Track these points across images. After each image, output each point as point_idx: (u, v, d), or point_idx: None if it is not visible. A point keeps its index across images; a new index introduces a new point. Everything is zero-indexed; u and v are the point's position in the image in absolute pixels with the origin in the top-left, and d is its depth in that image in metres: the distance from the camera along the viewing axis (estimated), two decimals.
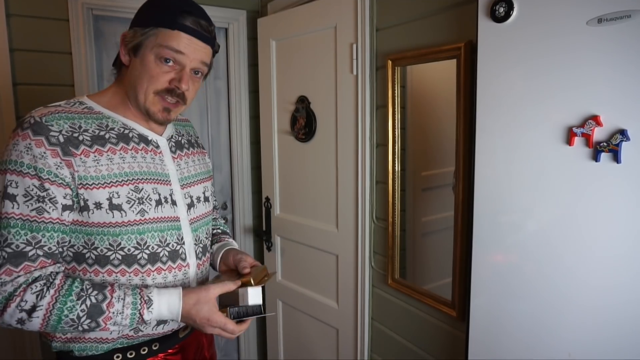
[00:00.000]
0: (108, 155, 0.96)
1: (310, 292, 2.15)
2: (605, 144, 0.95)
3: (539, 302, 1.10)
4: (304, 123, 2.06)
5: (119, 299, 0.92)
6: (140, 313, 0.93)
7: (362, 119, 1.76)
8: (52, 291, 0.87)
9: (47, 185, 0.88)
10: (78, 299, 0.89)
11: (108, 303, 0.91)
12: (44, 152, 0.88)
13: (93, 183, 0.92)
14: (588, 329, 1.02)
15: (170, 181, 1.06)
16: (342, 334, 2.00)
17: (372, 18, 1.71)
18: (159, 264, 1.02)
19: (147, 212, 0.99)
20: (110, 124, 1.00)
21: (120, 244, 0.96)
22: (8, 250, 0.86)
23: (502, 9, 1.10)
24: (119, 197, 0.95)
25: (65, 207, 0.91)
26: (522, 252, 1.13)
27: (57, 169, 0.88)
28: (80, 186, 0.91)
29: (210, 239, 1.22)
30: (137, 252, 0.98)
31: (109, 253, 0.96)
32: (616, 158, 0.94)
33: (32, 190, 0.87)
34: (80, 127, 0.94)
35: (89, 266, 0.97)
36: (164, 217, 1.03)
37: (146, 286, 0.99)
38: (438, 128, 1.61)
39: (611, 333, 0.98)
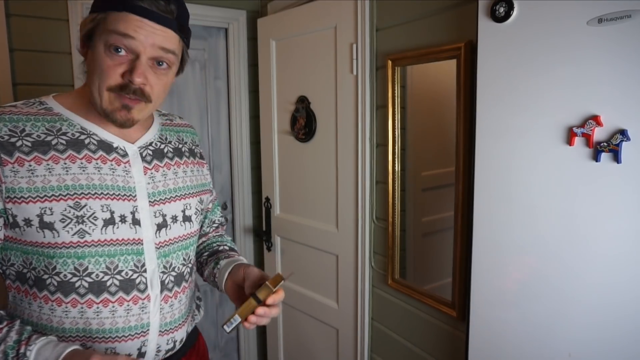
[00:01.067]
0: (48, 164, 0.82)
1: (310, 292, 2.15)
2: (605, 144, 0.95)
3: (540, 302, 1.10)
4: (304, 123, 2.06)
5: None
6: None
7: (362, 119, 1.76)
8: None
9: None
10: None
11: None
12: None
13: (22, 196, 0.79)
14: (588, 329, 1.02)
15: (135, 196, 0.90)
16: (342, 334, 2.00)
17: (372, 18, 1.71)
18: (105, 295, 0.86)
19: (88, 234, 0.83)
20: (65, 128, 0.86)
21: (55, 267, 0.83)
22: None
23: (502, 9, 1.10)
24: (51, 214, 0.80)
25: None
26: (521, 252, 1.13)
27: None
28: (7, 199, 0.79)
29: (190, 266, 1.03)
30: (75, 279, 0.83)
31: (45, 277, 0.84)
32: (616, 158, 0.94)
33: None
34: (22, 130, 0.82)
35: (29, 287, 0.85)
36: (116, 239, 0.86)
37: (40, 334, 0.81)
38: (438, 128, 1.61)
39: (611, 333, 0.98)
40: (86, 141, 0.87)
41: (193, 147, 1.10)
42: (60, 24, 1.95)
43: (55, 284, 0.84)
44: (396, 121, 1.63)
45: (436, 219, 1.66)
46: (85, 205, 0.83)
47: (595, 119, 0.96)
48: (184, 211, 0.99)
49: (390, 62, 1.61)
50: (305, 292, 2.18)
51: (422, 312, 1.62)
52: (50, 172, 0.82)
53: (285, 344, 2.38)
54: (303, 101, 2.05)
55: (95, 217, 0.84)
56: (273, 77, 2.22)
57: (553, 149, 1.04)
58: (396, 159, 1.66)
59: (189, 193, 1.02)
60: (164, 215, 0.94)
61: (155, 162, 0.96)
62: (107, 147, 0.89)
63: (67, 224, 0.82)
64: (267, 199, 2.36)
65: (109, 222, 0.86)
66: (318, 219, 2.07)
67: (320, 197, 2.04)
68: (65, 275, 0.83)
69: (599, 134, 0.96)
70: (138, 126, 0.95)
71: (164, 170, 0.97)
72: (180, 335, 0.99)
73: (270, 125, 2.27)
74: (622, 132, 0.92)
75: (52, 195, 0.81)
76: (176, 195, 0.98)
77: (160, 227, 0.93)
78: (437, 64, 1.46)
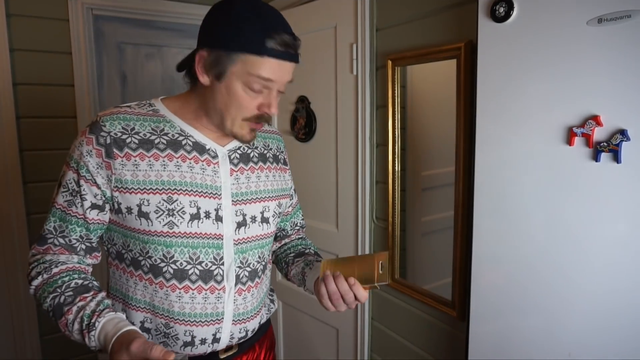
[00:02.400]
0: (149, 161, 0.92)
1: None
2: (605, 144, 0.95)
3: (539, 302, 1.10)
4: (304, 123, 2.06)
5: (79, 310, 0.86)
6: (83, 334, 0.85)
7: (362, 119, 1.76)
8: (45, 276, 0.91)
9: (82, 182, 0.91)
10: (53, 293, 0.89)
11: (68, 309, 0.86)
12: (91, 150, 0.90)
13: (127, 187, 0.90)
14: (588, 328, 1.02)
15: (220, 195, 0.97)
16: (342, 334, 2.00)
17: (372, 18, 1.71)
18: (186, 282, 0.95)
19: (176, 225, 0.92)
20: (167, 129, 0.95)
21: (148, 252, 0.94)
22: (42, 232, 0.94)
23: (502, 9, 1.10)
24: (148, 204, 0.91)
25: (93, 206, 0.92)
26: (521, 252, 1.13)
27: (96, 168, 0.90)
28: (115, 189, 0.90)
29: (264, 264, 1.09)
30: (163, 264, 0.94)
31: (140, 258, 0.95)
32: (616, 158, 0.94)
33: (71, 183, 0.92)
34: (132, 129, 0.92)
35: (127, 266, 0.97)
36: (200, 233, 0.95)
37: (112, 309, 0.89)
38: (438, 128, 1.61)
39: (612, 333, 0.98)
40: (183, 142, 0.96)
41: (278, 154, 1.15)
42: (60, 24, 1.95)
43: (148, 265, 0.94)
44: (396, 121, 1.63)
45: (436, 218, 1.66)
46: (176, 200, 0.92)
47: (595, 119, 0.96)
48: (262, 212, 1.05)
49: (390, 62, 1.61)
50: (306, 292, 2.18)
51: (422, 312, 1.62)
52: (150, 167, 0.92)
53: (285, 344, 2.38)
54: (303, 101, 2.05)
55: (183, 211, 0.93)
56: None
57: (553, 149, 1.04)
58: (396, 159, 1.66)
59: (269, 196, 1.07)
60: (244, 215, 1.01)
61: (241, 165, 1.02)
62: (200, 149, 0.97)
63: (160, 215, 0.91)
64: None
65: (195, 216, 0.94)
66: (318, 219, 2.07)
67: (320, 197, 2.04)
68: (155, 259, 0.93)
69: (598, 134, 0.96)
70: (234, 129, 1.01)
71: (248, 173, 1.03)
72: (253, 325, 1.06)
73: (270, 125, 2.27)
74: (622, 132, 0.92)
75: (151, 188, 0.91)
76: (257, 197, 1.04)
77: (240, 225, 1.00)
78: (437, 64, 1.46)
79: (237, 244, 1.00)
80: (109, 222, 0.96)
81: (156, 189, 0.91)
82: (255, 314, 1.06)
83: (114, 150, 0.90)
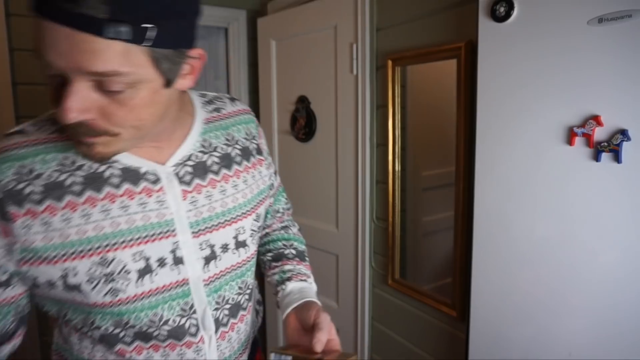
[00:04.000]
0: (64, 214, 0.66)
1: None
2: (606, 143, 0.95)
3: (540, 301, 1.10)
4: (304, 123, 2.05)
5: None
6: None
7: (362, 119, 1.76)
8: None
9: None
10: None
11: None
12: None
13: (40, 257, 0.65)
14: (589, 328, 1.02)
15: (174, 230, 0.73)
16: (342, 334, 2.00)
17: (372, 18, 1.71)
18: (153, 342, 0.74)
19: (121, 291, 0.69)
20: (80, 158, 0.68)
21: (94, 322, 0.72)
22: None
23: (502, 9, 1.10)
24: (76, 274, 0.67)
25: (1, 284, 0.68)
26: (522, 252, 1.13)
27: None
28: (23, 261, 0.66)
29: (248, 292, 0.87)
30: (117, 330, 0.72)
31: (85, 329, 0.73)
32: (617, 158, 0.94)
33: None
34: (31, 171, 0.65)
35: (73, 330, 0.76)
36: (156, 288, 0.72)
37: None
38: (438, 128, 1.60)
39: (612, 333, 0.98)
40: (106, 173, 0.69)
41: (247, 144, 0.86)
42: None
43: (98, 336, 0.73)
44: (396, 121, 1.63)
45: (436, 219, 1.66)
46: (113, 260, 0.68)
47: (595, 119, 0.96)
48: (236, 237, 0.81)
49: (390, 62, 1.61)
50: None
51: (422, 312, 1.61)
52: (67, 223, 0.66)
53: (285, 344, 2.38)
54: (303, 101, 2.05)
55: (126, 271, 0.69)
56: (273, 77, 2.22)
57: (553, 149, 1.04)
58: (396, 159, 1.66)
59: (242, 213, 0.82)
60: (211, 246, 0.78)
61: (196, 181, 0.76)
62: (133, 176, 0.70)
63: (96, 285, 0.68)
64: None
65: (145, 271, 0.71)
66: (318, 219, 2.07)
67: (321, 197, 2.04)
68: (106, 328, 0.72)
69: (599, 134, 0.96)
70: (171, 139, 0.75)
71: (208, 190, 0.77)
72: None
73: (270, 125, 2.27)
74: (623, 132, 0.92)
75: (74, 252, 0.66)
76: (225, 220, 0.79)
77: (208, 260, 0.77)
78: (437, 64, 1.45)
79: (208, 284, 0.78)
80: (28, 291, 0.72)
81: (82, 251, 0.66)
82: (243, 350, 0.89)
83: (9, 208, 0.64)
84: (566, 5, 0.99)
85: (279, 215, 1.06)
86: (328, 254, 2.02)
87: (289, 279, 0.92)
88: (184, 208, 0.74)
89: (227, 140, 0.83)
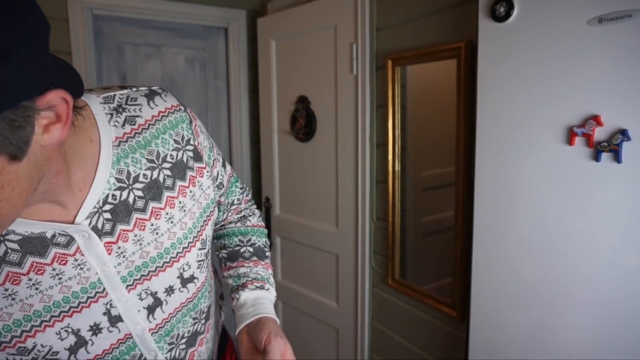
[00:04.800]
0: None
1: (310, 292, 2.15)
2: (606, 143, 0.95)
3: (540, 302, 1.10)
4: (304, 123, 2.05)
5: None
6: None
7: (362, 119, 1.76)
8: None
9: None
10: None
11: None
12: None
13: None
14: (589, 329, 1.02)
15: (103, 291, 0.62)
16: (342, 334, 2.00)
17: (372, 18, 1.70)
18: None
19: None
20: None
21: None
22: None
23: (502, 9, 1.10)
24: None
25: None
26: (522, 252, 1.13)
27: None
28: None
29: (204, 316, 0.80)
30: None
31: None
32: (617, 158, 0.93)
33: None
34: None
35: None
36: (96, 355, 0.64)
37: None
38: (438, 128, 1.60)
39: (612, 333, 0.98)
40: (0, 251, 0.55)
41: (180, 156, 0.68)
42: (60, 23, 1.95)
43: None
44: (396, 121, 1.63)
45: (436, 219, 1.66)
46: (34, 346, 0.58)
47: (595, 118, 0.96)
48: (181, 275, 0.70)
49: (390, 62, 1.60)
50: (305, 292, 2.18)
51: (422, 312, 1.61)
52: None
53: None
54: (303, 101, 2.05)
55: (54, 352, 0.59)
56: (273, 77, 2.22)
57: (553, 149, 1.04)
58: (396, 159, 1.66)
59: (184, 248, 0.70)
60: (153, 294, 0.67)
61: (119, 227, 0.61)
62: (37, 246, 0.56)
63: None
64: (267, 199, 2.36)
65: (78, 345, 0.61)
66: (318, 218, 2.07)
67: (320, 197, 2.04)
68: None
69: (599, 134, 0.96)
70: (73, 183, 0.57)
71: (136, 235, 0.63)
72: None
73: (270, 125, 2.27)
74: (623, 132, 0.92)
75: None
76: (164, 263, 0.67)
77: (152, 308, 0.68)
78: (437, 64, 1.45)
79: (157, 331, 0.69)
80: None
81: None
82: (211, 357, 0.85)
83: None
84: (566, 5, 0.99)
85: (234, 206, 0.92)
86: (328, 254, 2.02)
87: (243, 286, 0.83)
88: (112, 263, 0.61)
89: (149, 159, 0.64)
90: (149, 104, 0.66)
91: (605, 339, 0.99)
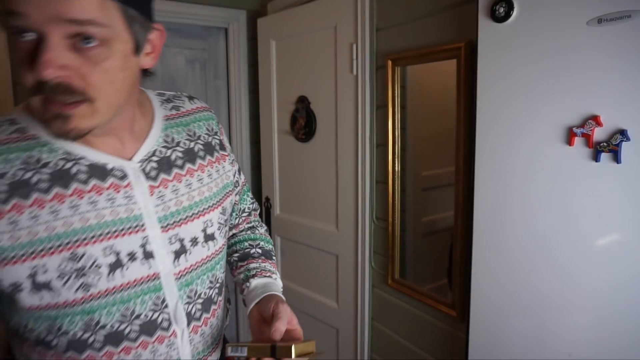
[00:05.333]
0: (32, 211, 0.66)
1: (310, 292, 2.15)
2: (605, 144, 0.95)
3: (539, 302, 1.10)
4: (304, 123, 2.05)
5: None
6: None
7: (362, 119, 1.76)
8: None
9: None
10: None
11: None
12: None
13: (7, 257, 0.65)
14: (588, 329, 1.02)
15: (143, 225, 0.74)
16: (342, 334, 2.00)
17: (372, 18, 1.71)
18: (125, 344, 0.73)
19: (93, 286, 0.69)
20: (45, 156, 0.68)
21: (61, 328, 0.70)
22: None
23: (502, 9, 1.10)
24: (46, 271, 0.66)
25: None
26: (522, 252, 1.13)
27: None
28: None
29: (218, 286, 0.89)
30: (87, 335, 0.71)
31: (50, 337, 0.71)
32: (616, 158, 0.94)
33: None
34: None
35: (33, 344, 0.74)
36: (128, 282, 0.73)
37: None
38: (438, 128, 1.61)
39: (612, 333, 0.98)
40: (73, 170, 0.69)
41: (210, 139, 0.88)
42: None
43: (65, 343, 0.71)
44: (396, 121, 1.63)
45: (436, 219, 1.66)
46: (83, 255, 0.68)
47: (595, 119, 0.96)
48: (204, 230, 0.83)
49: (390, 62, 1.61)
50: (305, 292, 2.18)
51: (422, 312, 1.62)
52: (36, 220, 0.66)
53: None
54: (303, 101, 2.05)
55: (97, 265, 0.70)
56: (273, 77, 2.22)
57: (553, 149, 1.04)
58: (396, 159, 1.66)
59: (209, 206, 0.84)
60: (181, 240, 0.79)
61: (162, 176, 0.78)
62: (100, 172, 0.71)
63: (67, 281, 0.68)
64: (267, 199, 2.36)
65: (116, 265, 0.71)
66: (318, 219, 2.07)
67: (320, 197, 2.04)
68: (74, 333, 0.71)
69: (598, 134, 0.96)
70: (133, 134, 0.76)
71: (174, 185, 0.79)
72: (215, 357, 0.90)
73: (270, 125, 2.27)
74: (622, 132, 0.92)
75: (43, 249, 0.66)
76: (193, 214, 0.81)
77: (178, 254, 0.78)
78: (437, 64, 1.46)
79: (179, 278, 0.79)
80: None
81: (51, 247, 0.66)
82: (216, 345, 0.89)
83: None
84: (566, 5, 0.99)
85: (245, 215, 1.06)
86: (328, 254, 2.02)
87: (253, 276, 0.93)
88: (152, 203, 0.75)
89: (189, 135, 0.85)
90: (189, 101, 0.90)
91: (605, 339, 0.99)
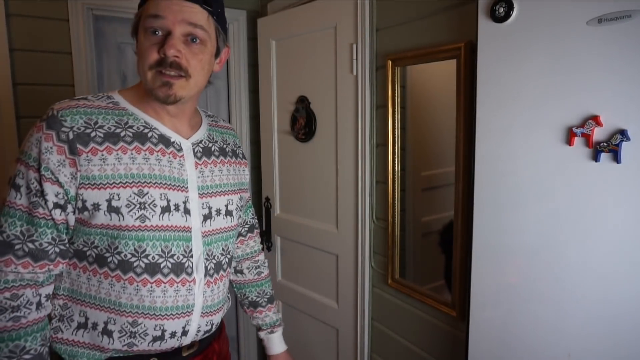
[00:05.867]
0: (117, 154, 0.90)
1: (310, 292, 2.15)
2: (605, 144, 0.95)
3: (539, 302, 1.10)
4: (304, 123, 2.06)
5: None
6: None
7: (362, 119, 1.76)
8: (8, 321, 0.86)
9: (43, 181, 0.86)
10: (9, 355, 0.86)
11: None
12: (51, 147, 0.86)
13: (95, 183, 0.88)
14: (588, 329, 1.02)
15: (187, 187, 0.98)
16: (342, 334, 2.00)
17: (372, 18, 1.71)
18: (158, 276, 0.94)
19: (148, 219, 0.91)
20: (131, 122, 0.94)
21: (117, 247, 0.91)
22: (1, 237, 0.87)
23: (502, 9, 1.10)
24: (119, 199, 0.89)
25: (56, 206, 0.88)
26: (522, 252, 1.13)
27: (58, 166, 0.86)
28: (81, 186, 0.87)
29: (228, 257, 1.10)
30: (133, 259, 0.92)
31: (107, 255, 0.92)
32: (616, 158, 0.94)
33: (33, 183, 0.87)
34: (96, 122, 0.90)
35: (88, 264, 0.94)
36: (170, 225, 0.95)
37: None
38: (438, 128, 1.61)
39: (612, 333, 0.98)
40: (149, 134, 0.96)
41: (235, 149, 1.18)
42: (60, 23, 1.95)
43: (116, 262, 0.92)
44: (396, 121, 1.63)
45: (436, 219, 1.66)
46: (147, 193, 0.92)
47: (595, 119, 0.96)
48: (226, 206, 1.08)
49: (390, 62, 1.61)
50: (305, 292, 2.18)
51: (422, 312, 1.62)
52: (119, 161, 0.90)
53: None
54: (303, 101, 2.05)
55: (154, 204, 0.93)
56: (273, 77, 2.22)
57: (553, 149, 1.04)
58: (396, 159, 1.66)
59: (231, 190, 1.10)
60: (209, 207, 1.03)
61: (204, 158, 1.04)
62: (166, 141, 0.97)
63: (132, 209, 0.90)
64: (267, 199, 2.36)
65: (166, 209, 0.94)
66: (318, 219, 2.07)
67: (320, 197, 2.04)
68: (125, 255, 0.92)
69: (598, 134, 0.96)
70: (189, 125, 1.04)
71: (211, 167, 1.05)
72: (217, 319, 1.08)
73: (270, 125, 2.27)
74: (622, 132, 0.92)
75: (120, 182, 0.90)
76: (220, 191, 1.07)
77: (206, 217, 1.02)
78: (437, 64, 1.46)
79: (204, 236, 1.01)
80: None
81: (126, 182, 0.90)
82: (220, 307, 1.08)
83: (78, 145, 0.87)
84: (565, 5, 0.99)
85: (247, 227, 1.31)
86: (328, 254, 2.02)
87: (259, 329, 1.32)
88: (195, 174, 1.01)
89: (223, 140, 1.14)
90: (222, 121, 1.22)
91: (604, 339, 0.99)
